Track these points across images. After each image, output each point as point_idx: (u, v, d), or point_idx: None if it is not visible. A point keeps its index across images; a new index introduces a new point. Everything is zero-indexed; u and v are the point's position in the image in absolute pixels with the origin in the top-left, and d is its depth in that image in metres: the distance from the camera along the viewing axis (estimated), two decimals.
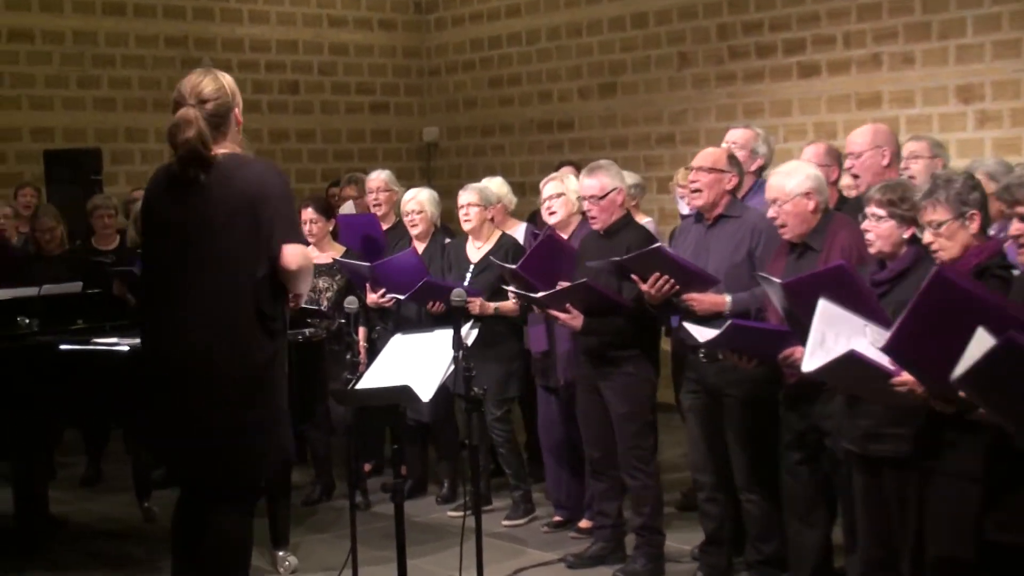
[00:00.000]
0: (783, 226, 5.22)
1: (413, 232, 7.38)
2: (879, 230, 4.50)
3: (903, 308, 3.90)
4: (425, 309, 6.99)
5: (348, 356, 5.20)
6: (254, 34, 12.24)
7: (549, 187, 6.69)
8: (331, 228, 7.59)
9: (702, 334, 5.06)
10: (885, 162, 5.73)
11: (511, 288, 6.42)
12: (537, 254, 6.31)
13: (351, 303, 5.39)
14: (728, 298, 5.50)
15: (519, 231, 7.51)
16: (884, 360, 3.92)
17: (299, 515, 7.07)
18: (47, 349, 6.21)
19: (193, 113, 4.30)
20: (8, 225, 8.70)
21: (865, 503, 4.60)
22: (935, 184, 4.24)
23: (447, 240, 7.51)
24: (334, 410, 7.05)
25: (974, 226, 4.21)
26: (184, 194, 4.35)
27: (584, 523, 6.76)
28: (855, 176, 5.79)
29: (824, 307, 4.18)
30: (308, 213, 7.37)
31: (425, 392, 4.72)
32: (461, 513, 6.35)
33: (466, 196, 7.05)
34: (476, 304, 6.60)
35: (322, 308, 7.08)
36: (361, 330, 7.30)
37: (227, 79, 4.45)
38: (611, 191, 5.99)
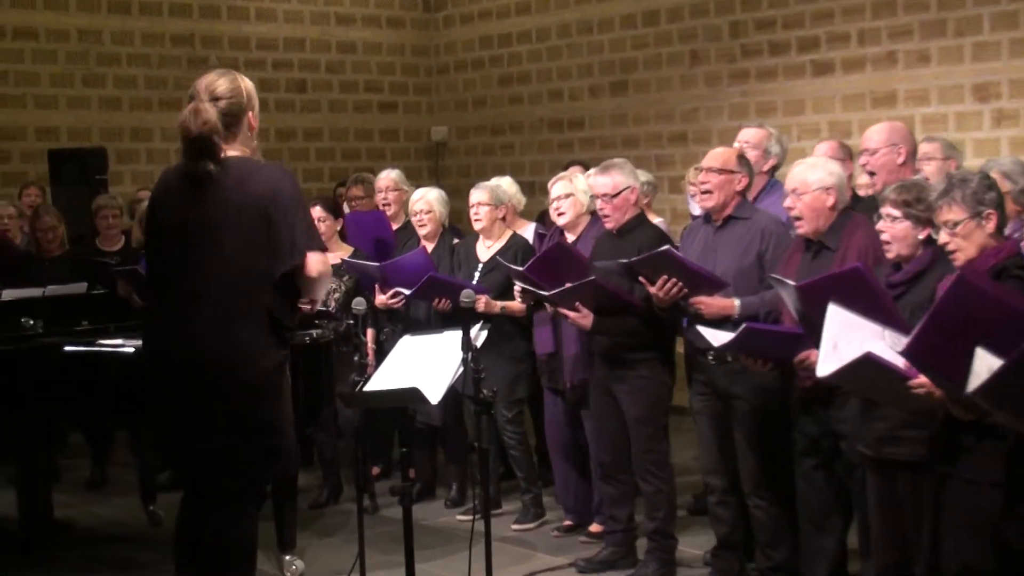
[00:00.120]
0: (798, 218, 5.19)
1: (421, 232, 7.36)
2: (894, 231, 4.49)
3: (919, 310, 4.00)
4: (434, 310, 6.96)
5: (356, 358, 5.19)
6: (261, 32, 12.22)
7: (557, 187, 6.65)
8: (339, 228, 7.56)
9: (716, 338, 5.04)
10: (900, 160, 5.71)
11: (519, 285, 6.38)
12: (544, 259, 6.26)
13: (359, 304, 5.38)
14: (737, 302, 5.46)
15: (527, 231, 7.49)
16: (900, 362, 3.89)
17: (306, 519, 7.05)
18: (51, 350, 6.19)
19: (204, 106, 4.29)
20: (12, 225, 8.70)
21: (879, 507, 4.59)
22: (950, 184, 4.22)
23: (456, 240, 7.49)
24: (342, 412, 7.02)
25: (990, 226, 4.17)
26: (193, 195, 4.35)
27: (595, 527, 6.72)
28: (871, 173, 5.75)
29: (834, 312, 4.17)
30: (317, 212, 7.32)
31: (434, 394, 4.72)
32: (470, 517, 6.35)
33: (477, 195, 7.04)
34: (482, 301, 6.57)
35: (330, 309, 7.06)
36: (369, 332, 7.28)
37: (246, 83, 4.45)
38: (624, 190, 5.97)
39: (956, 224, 4.16)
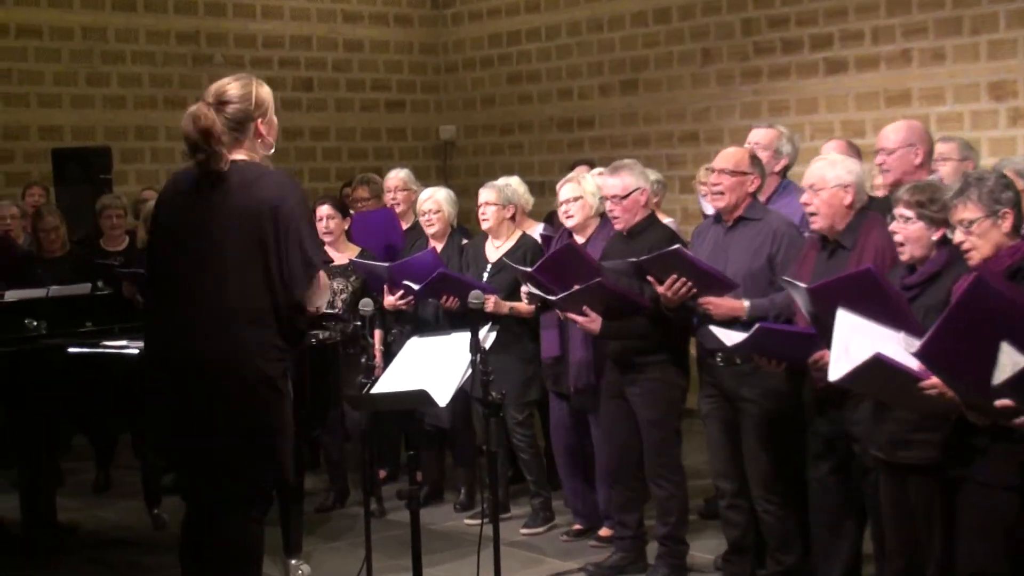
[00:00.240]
0: (814, 214, 5.17)
1: (429, 231, 7.33)
2: (908, 232, 4.49)
3: (933, 312, 4.01)
4: (443, 311, 6.93)
5: (363, 359, 5.19)
6: (267, 30, 12.19)
7: (566, 189, 6.61)
8: (346, 227, 7.55)
9: (729, 338, 5.02)
10: (918, 161, 5.65)
11: (526, 287, 6.35)
12: (553, 260, 6.21)
13: (366, 305, 5.39)
14: (746, 303, 5.44)
15: (535, 232, 7.44)
16: (911, 363, 3.87)
17: (312, 522, 7.04)
18: (55, 352, 6.21)
19: (204, 109, 4.28)
20: (15, 225, 8.70)
21: (892, 511, 4.60)
22: (967, 182, 4.23)
23: (464, 241, 7.46)
24: (348, 415, 7.03)
25: (1006, 225, 4.16)
26: (195, 197, 4.35)
27: (604, 531, 6.68)
28: (885, 172, 5.71)
29: (843, 316, 4.17)
30: (326, 210, 7.40)
31: (442, 397, 4.71)
32: (478, 521, 6.20)
33: (484, 195, 7.02)
34: (491, 301, 6.53)
35: (337, 311, 7.03)
36: (377, 333, 7.28)
37: (261, 90, 4.43)
38: (634, 191, 5.96)
39: (972, 223, 4.15)
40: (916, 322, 4.12)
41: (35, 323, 6.72)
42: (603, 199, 6.21)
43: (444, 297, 6.78)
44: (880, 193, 5.96)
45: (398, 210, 7.90)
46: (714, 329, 5.14)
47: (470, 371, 4.77)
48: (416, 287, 6.81)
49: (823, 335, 4.49)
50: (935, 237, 4.44)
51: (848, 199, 5.11)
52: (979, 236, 4.14)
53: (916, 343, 3.84)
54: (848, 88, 9.62)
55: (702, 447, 6.06)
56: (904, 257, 4.53)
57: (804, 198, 5.20)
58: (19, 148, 10.86)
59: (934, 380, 3.85)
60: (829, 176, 5.13)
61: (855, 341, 4.06)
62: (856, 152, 6.28)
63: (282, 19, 12.28)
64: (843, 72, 9.65)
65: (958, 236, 4.21)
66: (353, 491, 7.57)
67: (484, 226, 7.03)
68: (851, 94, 9.61)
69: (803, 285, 4.64)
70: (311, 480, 7.49)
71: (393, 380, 4.92)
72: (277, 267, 4.27)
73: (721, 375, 5.60)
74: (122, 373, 5.92)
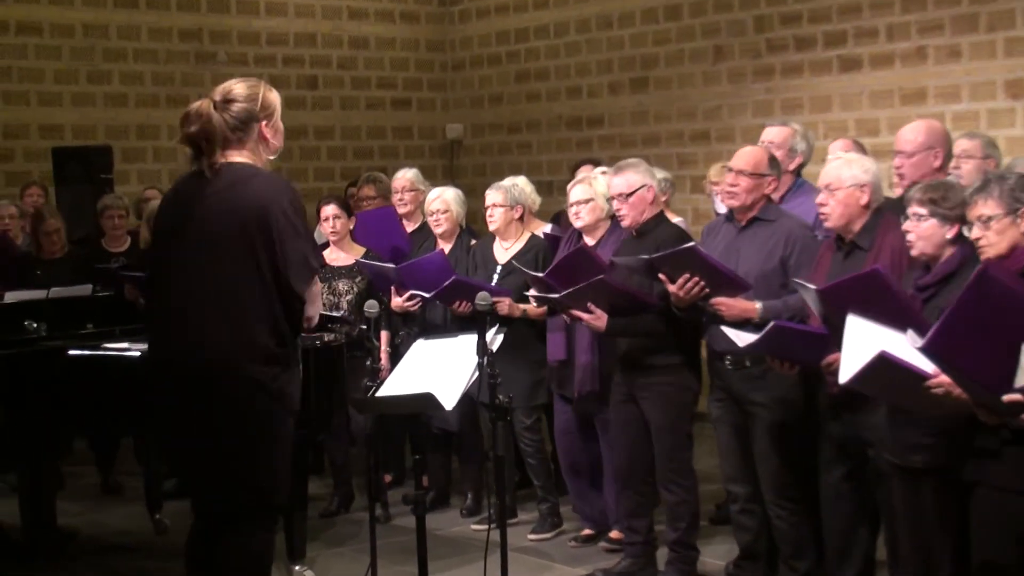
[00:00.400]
0: (827, 215, 5.14)
1: (437, 231, 7.31)
2: (920, 230, 4.50)
3: None
4: (450, 313, 6.91)
5: (368, 362, 5.19)
6: (271, 27, 12.18)
7: (577, 191, 6.56)
8: (352, 226, 7.51)
9: (741, 339, 5.00)
10: (937, 164, 5.59)
11: (531, 292, 6.33)
12: (565, 263, 6.16)
13: (372, 307, 5.39)
14: (759, 305, 5.40)
15: (541, 232, 7.39)
16: (918, 362, 3.88)
17: (316, 528, 7.02)
18: (55, 354, 6.20)
19: (204, 107, 4.28)
20: (14, 225, 8.71)
21: (905, 516, 4.61)
22: (987, 179, 4.27)
23: (472, 241, 7.43)
24: (354, 419, 7.01)
25: None
26: (194, 197, 4.34)
27: (615, 534, 6.64)
28: (901, 175, 5.64)
29: (853, 322, 4.19)
30: (331, 210, 7.39)
31: (448, 400, 4.71)
32: (485, 526, 6.36)
33: (491, 196, 7.00)
34: (505, 304, 6.56)
35: (343, 313, 7.04)
36: (383, 335, 7.27)
37: (269, 94, 4.42)
38: (639, 188, 5.93)
39: (990, 219, 4.16)
40: (925, 322, 4.08)
41: (35, 325, 6.70)
42: (610, 199, 6.18)
43: (457, 303, 6.75)
44: (897, 192, 5.90)
45: (406, 210, 7.86)
46: (726, 330, 5.11)
47: (477, 374, 4.74)
48: (427, 295, 6.78)
49: (835, 337, 4.45)
50: (949, 235, 4.44)
51: (864, 199, 5.07)
52: (996, 233, 4.15)
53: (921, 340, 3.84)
54: (862, 86, 9.58)
55: (713, 451, 6.07)
56: (914, 252, 4.53)
57: (820, 198, 5.17)
58: (19, 147, 10.86)
59: (941, 378, 3.84)
60: (845, 176, 5.10)
61: (865, 344, 4.05)
62: (862, 151, 6.20)
63: (286, 16, 12.27)
64: (857, 70, 9.61)
65: (975, 232, 4.21)
66: (358, 496, 7.55)
67: (491, 227, 7.00)
68: (865, 92, 9.56)
69: (812, 287, 4.65)
70: (315, 485, 7.47)
71: (399, 383, 4.92)
72: (271, 267, 4.24)
73: (731, 378, 5.57)
74: (123, 376, 5.92)
